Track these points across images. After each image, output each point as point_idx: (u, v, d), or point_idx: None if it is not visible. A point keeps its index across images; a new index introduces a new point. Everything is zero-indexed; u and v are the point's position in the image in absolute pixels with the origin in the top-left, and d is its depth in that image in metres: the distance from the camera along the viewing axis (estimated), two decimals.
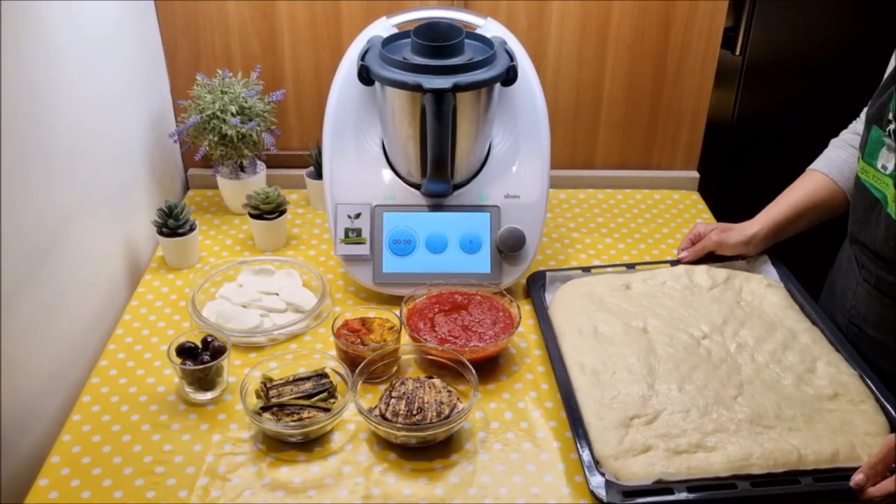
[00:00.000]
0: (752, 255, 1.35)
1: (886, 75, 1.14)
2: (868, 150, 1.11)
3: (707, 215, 1.64)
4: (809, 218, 1.30)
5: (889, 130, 1.04)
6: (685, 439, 1.02)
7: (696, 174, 1.73)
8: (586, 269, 1.39)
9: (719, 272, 1.33)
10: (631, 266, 1.40)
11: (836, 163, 1.28)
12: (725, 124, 1.85)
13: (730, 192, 1.86)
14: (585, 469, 0.99)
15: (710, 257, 1.37)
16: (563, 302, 1.30)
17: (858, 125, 1.27)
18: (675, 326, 1.21)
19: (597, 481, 0.98)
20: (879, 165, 1.08)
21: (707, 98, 1.66)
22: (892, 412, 1.05)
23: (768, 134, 1.86)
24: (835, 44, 1.77)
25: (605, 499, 0.95)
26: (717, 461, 0.99)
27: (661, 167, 1.74)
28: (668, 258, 1.46)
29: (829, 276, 1.35)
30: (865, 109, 1.24)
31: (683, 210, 1.66)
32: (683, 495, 0.96)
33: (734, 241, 1.33)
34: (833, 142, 1.32)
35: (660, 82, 1.63)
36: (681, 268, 1.35)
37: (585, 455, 1.01)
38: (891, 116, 1.04)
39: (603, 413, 1.06)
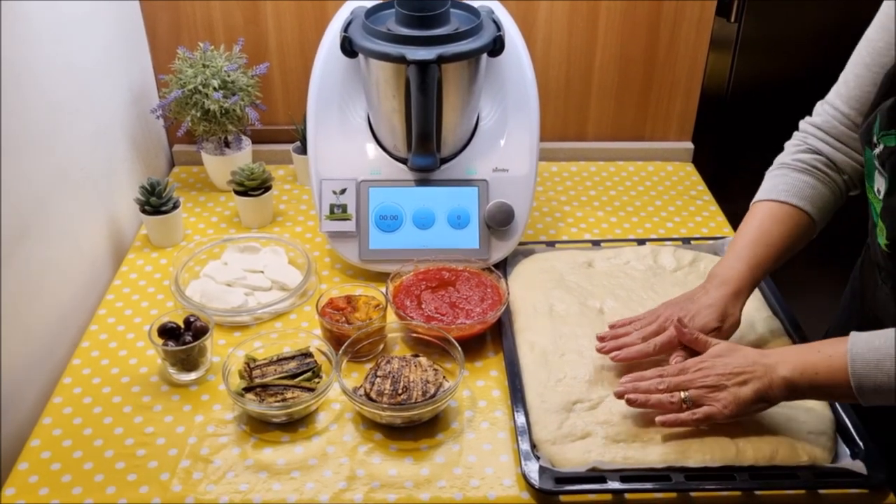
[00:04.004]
0: None
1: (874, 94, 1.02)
2: (867, 172, 1.02)
3: (701, 187, 1.61)
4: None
5: (875, 154, 0.96)
6: (625, 428, 1.00)
7: (690, 145, 1.70)
8: (550, 244, 1.37)
9: (686, 254, 1.31)
10: (597, 243, 1.37)
11: (799, 188, 1.09)
12: (720, 94, 1.81)
13: (725, 164, 1.83)
14: (521, 454, 0.98)
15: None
16: (522, 277, 1.28)
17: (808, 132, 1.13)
18: (633, 309, 1.18)
19: (531, 466, 0.96)
20: (875, 189, 0.99)
21: (701, 67, 1.63)
22: (840, 411, 1.03)
23: (764, 104, 1.82)
24: (833, 11, 1.73)
25: (537, 484, 0.94)
26: (653, 452, 0.97)
27: (654, 138, 1.70)
28: (632, 237, 1.44)
29: (853, 271, 1.24)
30: (821, 107, 1.13)
31: (677, 182, 1.63)
32: (616, 485, 0.94)
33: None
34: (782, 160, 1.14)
35: (653, 51, 1.60)
36: (646, 247, 1.33)
37: (523, 439, 1.00)
38: (876, 139, 0.96)
39: (546, 396, 1.05)
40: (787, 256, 1.09)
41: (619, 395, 1.00)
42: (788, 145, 1.15)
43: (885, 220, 0.96)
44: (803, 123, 1.14)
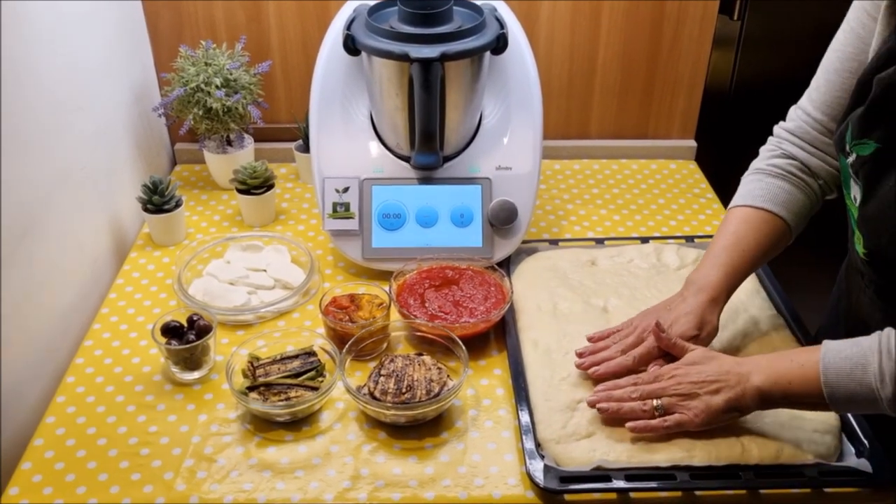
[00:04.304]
0: None
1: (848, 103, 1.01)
2: (843, 179, 1.01)
3: (704, 185, 1.61)
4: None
5: (849, 162, 0.95)
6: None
7: (693, 143, 1.70)
8: (554, 242, 1.37)
9: (689, 252, 1.30)
10: (600, 241, 1.37)
11: (777, 194, 1.08)
12: (723, 92, 1.81)
13: (728, 162, 1.82)
14: (526, 453, 0.97)
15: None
16: (525, 276, 1.27)
17: (783, 137, 1.12)
18: (636, 307, 1.17)
19: (536, 465, 0.96)
20: (852, 196, 0.97)
21: (704, 65, 1.62)
22: None
23: (767, 102, 1.81)
24: (835, 8, 1.72)
25: (542, 483, 0.94)
26: (658, 451, 0.97)
27: (657, 136, 1.70)
28: (635, 235, 1.44)
29: (840, 272, 1.23)
30: (794, 112, 1.13)
31: (680, 180, 1.63)
32: (621, 483, 0.94)
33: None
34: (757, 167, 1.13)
35: (656, 49, 1.59)
36: (650, 245, 1.33)
37: (528, 438, 0.99)
38: (848, 148, 0.95)
39: (550, 394, 1.05)
40: (763, 262, 1.10)
41: (592, 405, 1.00)
42: (763, 150, 1.14)
43: (862, 230, 0.95)
44: (777, 128, 1.14)
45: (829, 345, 0.90)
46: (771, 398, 0.92)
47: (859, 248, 0.98)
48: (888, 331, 0.87)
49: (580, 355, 1.08)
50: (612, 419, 1.00)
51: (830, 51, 1.04)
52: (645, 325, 1.06)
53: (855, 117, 0.93)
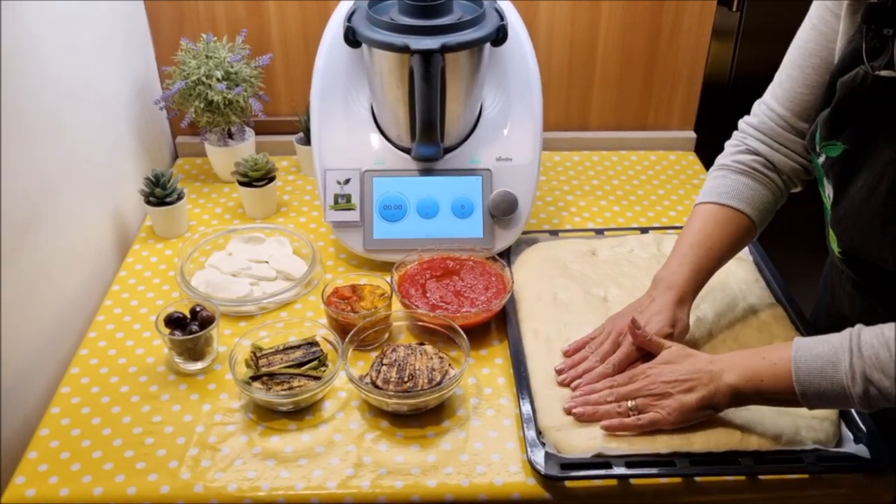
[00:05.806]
0: None
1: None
2: (817, 177, 1.01)
3: (703, 176, 1.62)
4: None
5: (820, 162, 0.96)
6: None
7: (692, 134, 1.71)
8: (554, 233, 1.38)
9: None
10: (600, 231, 1.38)
11: (742, 192, 1.08)
12: (722, 83, 1.81)
13: None
14: (527, 441, 0.98)
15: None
16: (525, 266, 1.28)
17: (748, 135, 1.11)
18: (636, 297, 1.16)
19: (537, 453, 0.97)
20: (826, 195, 0.98)
21: (704, 56, 1.63)
22: None
23: None
24: None
25: (543, 471, 0.95)
26: (658, 438, 0.97)
27: (656, 128, 1.71)
28: (635, 225, 1.44)
29: (825, 266, 1.24)
30: (758, 107, 1.12)
31: (680, 171, 1.63)
32: (621, 470, 0.95)
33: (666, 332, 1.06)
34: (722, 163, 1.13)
35: (655, 40, 1.60)
36: (650, 236, 1.33)
37: (529, 426, 1.00)
38: (818, 149, 0.96)
39: (551, 383, 1.05)
40: (729, 258, 1.11)
41: (568, 411, 1.01)
42: (728, 145, 1.14)
43: (835, 229, 0.96)
44: (742, 123, 1.14)
45: (800, 342, 0.91)
46: (744, 396, 0.94)
47: (834, 246, 0.99)
48: (858, 328, 0.88)
49: (559, 371, 1.08)
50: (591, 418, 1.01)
51: (793, 47, 1.04)
52: (619, 329, 1.07)
53: (822, 119, 0.94)
